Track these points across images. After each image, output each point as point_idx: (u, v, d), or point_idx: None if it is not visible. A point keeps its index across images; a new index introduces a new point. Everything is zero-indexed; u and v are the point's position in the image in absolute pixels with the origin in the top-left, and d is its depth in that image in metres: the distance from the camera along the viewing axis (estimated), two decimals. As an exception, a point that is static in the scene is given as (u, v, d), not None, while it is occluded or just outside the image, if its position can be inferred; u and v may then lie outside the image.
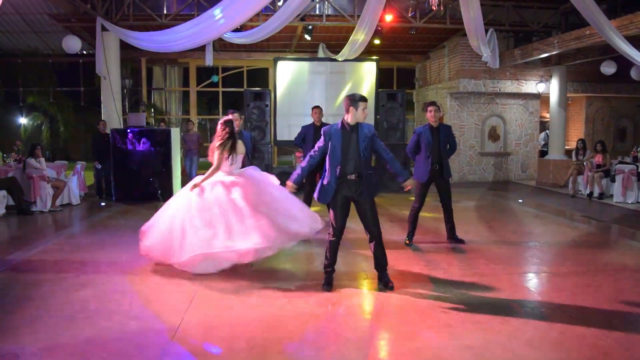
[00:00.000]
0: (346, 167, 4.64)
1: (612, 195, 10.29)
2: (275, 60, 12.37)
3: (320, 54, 13.60)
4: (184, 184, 6.66)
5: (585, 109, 15.62)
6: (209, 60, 11.07)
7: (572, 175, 11.12)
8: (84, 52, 14.40)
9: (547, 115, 14.61)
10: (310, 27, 11.93)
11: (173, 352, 3.48)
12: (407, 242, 6.53)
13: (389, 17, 11.32)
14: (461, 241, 6.59)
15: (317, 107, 7.87)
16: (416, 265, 5.27)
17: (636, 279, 5.31)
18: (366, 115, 4.71)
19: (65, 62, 15.84)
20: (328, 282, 4.78)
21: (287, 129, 12.40)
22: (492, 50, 11.42)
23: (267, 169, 10.56)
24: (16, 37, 14.53)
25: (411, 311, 4.24)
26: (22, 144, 11.17)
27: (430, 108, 6.38)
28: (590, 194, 10.55)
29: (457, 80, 13.52)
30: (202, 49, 10.78)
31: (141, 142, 10.38)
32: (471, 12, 8.83)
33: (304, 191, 7.73)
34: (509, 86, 13.81)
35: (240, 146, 5.47)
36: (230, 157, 5.35)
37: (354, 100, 4.63)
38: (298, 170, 4.87)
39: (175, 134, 10.91)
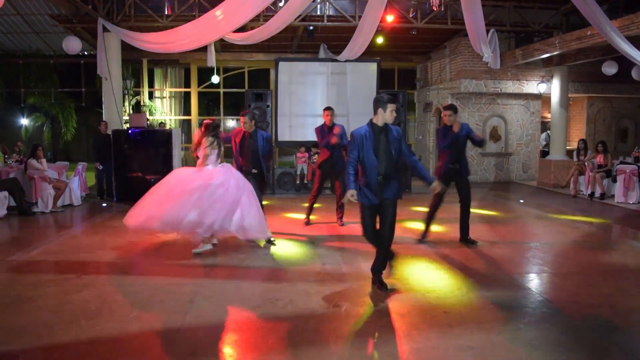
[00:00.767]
0: (379, 168, 4.65)
1: (613, 196, 10.28)
2: (277, 61, 12.37)
3: (322, 55, 13.60)
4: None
5: (587, 109, 15.61)
6: (210, 61, 11.07)
7: (573, 175, 11.12)
8: (85, 53, 14.43)
9: (549, 115, 14.61)
10: (311, 27, 11.93)
11: (174, 352, 3.48)
12: (420, 238, 6.71)
13: (390, 18, 11.32)
14: (473, 242, 6.62)
15: (328, 108, 7.92)
16: (417, 265, 5.27)
17: (637, 279, 5.31)
18: (394, 117, 4.70)
19: (67, 63, 15.88)
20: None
21: (288, 129, 12.41)
22: (493, 51, 11.40)
23: (269, 169, 10.56)
24: (17, 38, 14.56)
25: (412, 311, 4.24)
26: (24, 145, 11.18)
27: (445, 112, 6.49)
28: (592, 194, 10.54)
29: (458, 81, 13.51)
30: (203, 49, 10.78)
31: (142, 142, 10.39)
32: (472, 13, 8.83)
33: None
34: (510, 86, 13.80)
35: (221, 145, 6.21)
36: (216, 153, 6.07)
37: (382, 101, 4.63)
38: (351, 178, 4.68)
39: (176, 134, 10.92)
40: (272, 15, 9.89)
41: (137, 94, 15.47)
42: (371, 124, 4.70)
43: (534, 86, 13.83)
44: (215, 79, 15.25)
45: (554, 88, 13.07)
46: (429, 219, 6.67)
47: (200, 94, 16.32)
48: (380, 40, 12.26)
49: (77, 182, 10.14)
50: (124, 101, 12.81)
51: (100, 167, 10.60)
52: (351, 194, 4.62)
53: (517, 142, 14.50)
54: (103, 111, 11.72)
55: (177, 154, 10.91)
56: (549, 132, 14.62)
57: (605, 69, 12.34)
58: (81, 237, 7.32)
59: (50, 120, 17.09)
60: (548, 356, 3.46)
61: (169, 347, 3.55)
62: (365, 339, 3.76)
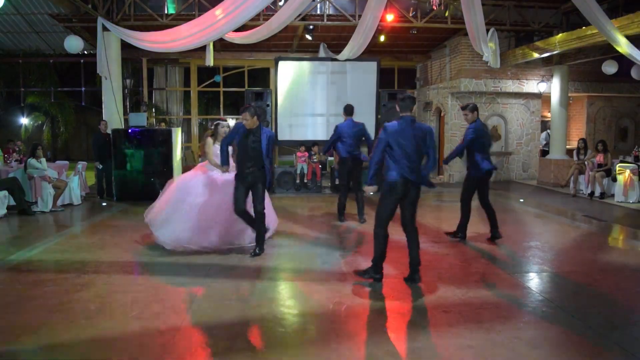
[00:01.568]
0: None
1: (613, 195, 10.28)
2: (277, 60, 12.37)
3: (322, 54, 13.60)
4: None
5: (587, 109, 15.61)
6: (209, 60, 11.06)
7: (573, 174, 11.12)
8: (85, 52, 14.42)
9: (548, 114, 14.61)
10: (311, 26, 11.93)
11: (174, 352, 3.48)
12: (458, 236, 6.78)
13: (390, 17, 11.32)
14: (498, 237, 6.73)
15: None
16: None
17: (637, 278, 5.31)
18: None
19: (66, 62, 15.86)
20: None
21: (289, 128, 12.41)
22: (494, 50, 11.40)
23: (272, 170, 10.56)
24: (17, 37, 14.55)
25: (412, 311, 4.24)
26: (23, 144, 11.18)
27: (464, 112, 6.67)
28: (592, 194, 10.54)
29: (458, 80, 13.51)
30: (203, 48, 10.77)
31: (142, 142, 10.39)
32: (472, 12, 8.82)
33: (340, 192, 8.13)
34: (510, 86, 13.80)
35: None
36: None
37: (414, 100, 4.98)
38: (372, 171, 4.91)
39: (176, 134, 10.92)
40: (272, 15, 9.88)
41: (137, 93, 15.46)
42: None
43: (534, 85, 13.83)
44: (218, 78, 15.25)
45: (554, 87, 13.07)
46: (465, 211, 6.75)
47: (200, 93, 16.31)
48: (382, 38, 12.24)
49: (77, 181, 10.13)
50: (123, 100, 12.78)
51: (100, 167, 10.60)
52: (371, 189, 4.97)
53: (517, 141, 14.49)
54: (103, 110, 11.72)
55: (177, 153, 10.91)
56: (549, 131, 14.61)
57: (605, 68, 12.34)
58: (81, 236, 7.32)
59: (50, 120, 17.08)
60: (548, 355, 3.46)
61: (169, 347, 3.55)
62: (365, 338, 3.75)
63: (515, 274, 5.36)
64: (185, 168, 13.19)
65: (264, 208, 5.96)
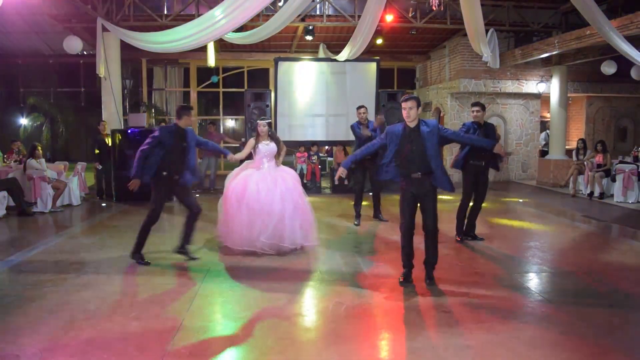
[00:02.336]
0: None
1: (612, 195, 10.29)
2: (276, 61, 12.37)
3: (321, 54, 13.60)
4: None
5: (586, 109, 15.62)
6: (210, 60, 11.07)
7: (572, 175, 11.12)
8: (85, 53, 14.41)
9: (548, 115, 14.62)
10: (310, 27, 11.93)
11: (174, 352, 3.48)
12: (458, 238, 6.72)
13: (389, 18, 11.33)
14: (479, 239, 6.75)
15: (362, 106, 8.12)
16: (416, 265, 5.24)
17: (636, 278, 5.31)
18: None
19: (66, 63, 15.84)
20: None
21: (288, 129, 12.40)
22: (493, 51, 11.41)
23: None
24: (16, 37, 14.54)
25: (411, 311, 4.24)
26: (23, 145, 11.17)
27: (474, 108, 6.60)
28: (591, 194, 10.55)
29: (457, 81, 13.52)
30: (202, 49, 10.79)
31: (141, 142, 10.36)
32: (471, 13, 8.83)
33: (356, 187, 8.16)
34: (510, 86, 13.80)
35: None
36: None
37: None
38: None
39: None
40: (272, 15, 9.89)
41: (137, 93, 15.45)
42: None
43: (533, 86, 13.84)
44: (215, 79, 15.24)
45: (553, 88, 13.08)
46: (461, 218, 6.72)
47: (199, 94, 16.31)
48: (379, 41, 12.25)
49: (77, 181, 10.13)
50: (123, 101, 12.78)
51: (100, 167, 10.60)
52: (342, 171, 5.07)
53: (517, 141, 14.50)
54: (102, 111, 11.72)
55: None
56: (548, 131, 14.62)
57: (604, 68, 12.36)
58: (80, 237, 7.31)
59: (49, 120, 17.04)
60: (547, 356, 3.46)
61: (169, 347, 3.55)
62: (364, 339, 3.75)
63: (514, 274, 5.36)
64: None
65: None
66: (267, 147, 6.29)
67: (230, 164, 10.89)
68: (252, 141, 6.38)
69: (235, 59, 15.31)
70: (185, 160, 5.76)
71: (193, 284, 4.98)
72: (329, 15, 11.87)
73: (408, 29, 12.10)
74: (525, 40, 13.06)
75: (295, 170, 11.92)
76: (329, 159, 14.28)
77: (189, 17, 10.55)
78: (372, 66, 12.56)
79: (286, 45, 14.44)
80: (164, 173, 5.71)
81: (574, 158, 11.40)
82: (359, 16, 10.50)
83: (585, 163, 10.94)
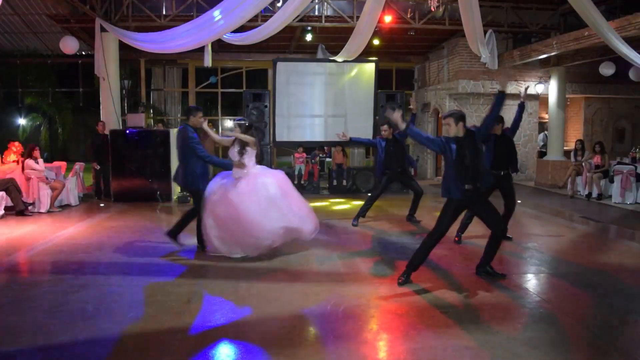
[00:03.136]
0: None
1: (610, 196, 10.30)
2: (275, 61, 12.37)
3: (320, 55, 13.60)
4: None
5: (584, 110, 15.64)
6: (207, 61, 11.06)
7: (570, 176, 11.13)
8: (83, 53, 14.41)
9: (546, 116, 14.63)
10: (309, 28, 11.93)
11: (172, 353, 3.48)
12: (456, 238, 6.78)
13: (388, 18, 11.33)
14: (509, 238, 6.80)
15: (384, 124, 8.06)
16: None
17: (634, 279, 5.32)
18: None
19: (64, 63, 15.84)
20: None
21: (286, 129, 12.41)
22: (491, 52, 11.41)
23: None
24: (15, 37, 14.54)
25: (410, 312, 4.24)
26: (21, 145, 11.15)
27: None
28: (589, 195, 10.56)
29: (456, 81, 13.53)
30: (201, 49, 10.76)
31: (140, 143, 10.38)
32: (470, 14, 8.84)
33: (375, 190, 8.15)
34: (508, 87, 13.81)
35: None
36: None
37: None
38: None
39: (174, 134, 10.90)
40: (270, 16, 9.89)
41: (135, 93, 15.44)
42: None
43: (531, 87, 13.84)
44: (214, 79, 15.24)
45: (551, 89, 13.09)
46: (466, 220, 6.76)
47: (198, 94, 16.31)
48: (376, 42, 12.25)
49: (75, 182, 10.12)
50: (121, 101, 12.78)
51: (98, 167, 10.59)
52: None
53: (515, 142, 14.44)
54: (101, 111, 11.71)
55: (175, 154, 10.89)
56: (546, 132, 14.63)
57: (602, 69, 12.37)
58: (78, 237, 7.30)
59: (47, 121, 17.04)
60: (546, 356, 3.46)
61: (167, 348, 3.55)
62: (363, 340, 3.75)
63: (513, 274, 5.37)
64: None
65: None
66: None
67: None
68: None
69: (234, 60, 15.31)
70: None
71: (192, 284, 4.97)
72: (327, 16, 11.87)
73: (406, 29, 12.11)
74: (523, 42, 13.07)
75: (294, 170, 11.93)
76: (328, 159, 14.29)
77: (188, 18, 10.54)
78: (371, 67, 12.58)
79: (285, 46, 14.45)
80: None
81: (572, 159, 11.40)
82: (358, 17, 10.51)
83: (583, 164, 10.95)
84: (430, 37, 13.68)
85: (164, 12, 11.73)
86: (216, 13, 8.52)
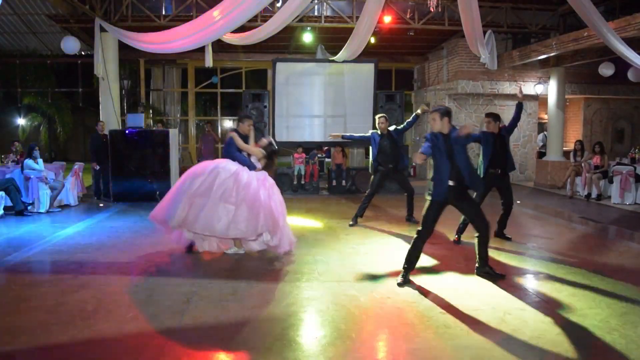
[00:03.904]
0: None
1: (610, 197, 10.31)
2: (274, 62, 12.37)
3: (319, 55, 13.60)
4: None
5: (583, 111, 15.65)
6: (208, 61, 11.06)
7: (570, 176, 11.14)
8: (83, 53, 14.41)
9: (545, 116, 14.64)
10: (309, 28, 11.93)
11: (171, 353, 3.48)
12: (456, 239, 6.80)
13: (387, 19, 11.33)
14: (508, 238, 6.93)
15: (382, 116, 8.09)
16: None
17: (634, 279, 5.32)
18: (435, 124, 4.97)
19: (64, 63, 15.84)
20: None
21: (286, 130, 12.41)
22: (491, 52, 11.42)
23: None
24: (14, 37, 14.54)
25: (409, 312, 4.24)
26: (20, 145, 11.16)
27: (486, 119, 6.68)
28: (588, 195, 10.56)
29: (455, 82, 13.53)
30: (200, 50, 10.76)
31: (139, 143, 10.38)
32: (469, 14, 8.84)
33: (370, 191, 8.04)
34: (507, 87, 13.82)
35: None
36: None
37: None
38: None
39: (174, 135, 10.91)
40: (270, 16, 9.89)
41: (135, 93, 15.44)
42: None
43: (531, 87, 13.85)
44: (216, 79, 15.24)
45: (550, 89, 13.10)
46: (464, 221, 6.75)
47: (197, 94, 16.30)
48: (372, 40, 12.24)
49: (74, 182, 10.12)
50: (121, 101, 12.78)
51: (97, 167, 10.59)
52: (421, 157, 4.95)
53: (514, 143, 14.50)
54: (100, 111, 11.71)
55: (174, 154, 10.91)
56: (545, 133, 14.64)
57: (602, 70, 12.37)
58: (77, 237, 7.30)
59: (47, 121, 17.04)
60: (545, 357, 3.46)
61: (166, 348, 3.55)
62: (363, 340, 3.75)
63: (512, 275, 5.37)
64: (183, 169, 13.15)
65: None
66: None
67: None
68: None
69: (233, 60, 15.30)
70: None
71: (191, 284, 4.97)
72: (327, 17, 11.86)
73: (406, 30, 12.11)
74: (523, 42, 13.08)
75: (293, 171, 11.94)
76: (327, 160, 14.28)
77: (187, 18, 10.54)
78: (370, 67, 12.58)
79: (284, 46, 14.44)
80: None
81: (572, 160, 11.41)
82: (357, 17, 10.51)
83: (582, 165, 10.96)
84: (430, 37, 13.67)
85: (163, 12, 11.73)
86: (216, 13, 8.51)
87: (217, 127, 16.34)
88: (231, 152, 6.06)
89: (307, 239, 7.01)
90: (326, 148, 14.59)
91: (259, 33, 9.97)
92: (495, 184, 6.75)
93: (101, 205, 10.05)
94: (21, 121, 17.29)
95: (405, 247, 6.38)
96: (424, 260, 5.75)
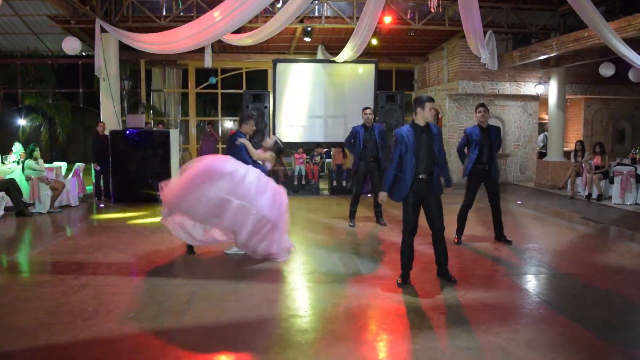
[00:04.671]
0: (419, 167, 4.83)
1: (610, 197, 10.30)
2: (274, 62, 12.37)
3: (319, 56, 13.60)
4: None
5: (584, 111, 15.65)
6: (207, 62, 11.07)
7: (570, 176, 11.14)
8: (83, 54, 14.41)
9: (546, 116, 14.64)
10: (309, 28, 11.93)
11: (171, 353, 3.48)
12: (456, 240, 6.72)
13: (387, 19, 11.34)
14: (508, 241, 6.75)
15: (367, 107, 7.98)
16: (414, 266, 5.26)
17: (634, 280, 5.32)
18: (433, 115, 4.89)
19: (64, 64, 15.83)
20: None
21: (286, 130, 12.40)
22: (491, 52, 11.42)
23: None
24: (15, 38, 14.54)
25: (409, 312, 4.24)
26: (21, 146, 11.17)
27: (479, 109, 6.59)
28: (589, 196, 10.56)
29: (456, 82, 13.53)
30: (201, 50, 10.78)
31: (140, 143, 10.38)
32: (470, 14, 8.84)
33: (354, 192, 8.02)
34: (508, 88, 13.82)
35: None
36: None
37: (421, 101, 4.85)
38: (389, 180, 4.91)
39: (174, 135, 10.91)
40: (271, 17, 9.89)
41: (135, 94, 15.45)
42: (413, 124, 4.89)
43: (531, 87, 13.86)
44: (214, 80, 15.24)
45: (551, 89, 13.10)
46: (461, 220, 6.73)
47: (197, 95, 16.30)
48: (374, 42, 12.25)
49: (75, 182, 10.13)
50: (121, 102, 12.79)
51: (98, 168, 10.60)
52: (383, 196, 4.92)
53: (515, 143, 14.52)
54: (101, 112, 11.71)
55: (175, 155, 10.91)
56: (546, 133, 14.64)
57: (602, 70, 12.37)
58: (78, 237, 7.31)
59: (47, 121, 17.05)
60: (545, 357, 3.46)
61: (166, 348, 3.55)
62: (363, 340, 3.76)
63: (512, 275, 5.37)
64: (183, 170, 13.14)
65: None
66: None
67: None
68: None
69: (234, 60, 15.31)
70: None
71: (191, 284, 4.97)
72: (327, 17, 11.87)
73: (406, 30, 12.12)
74: (523, 42, 13.08)
75: (294, 171, 11.94)
76: (327, 160, 14.28)
77: (188, 19, 10.55)
78: (371, 67, 12.57)
79: (284, 47, 14.45)
80: None
81: (572, 160, 11.42)
82: (358, 18, 10.52)
83: (583, 165, 10.96)
84: (430, 37, 13.68)
85: (164, 13, 11.74)
86: (216, 14, 8.52)
87: (217, 127, 16.34)
88: (245, 159, 5.86)
89: (307, 239, 7.02)
90: (326, 149, 14.60)
91: (259, 33, 9.99)
92: (483, 179, 6.66)
93: (102, 205, 10.06)
94: (22, 122, 17.31)
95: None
96: (424, 261, 5.75)
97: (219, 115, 16.77)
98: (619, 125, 15.94)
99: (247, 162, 5.85)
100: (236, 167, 5.63)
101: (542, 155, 14.51)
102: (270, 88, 13.83)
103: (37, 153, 9.09)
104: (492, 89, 13.71)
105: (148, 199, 10.01)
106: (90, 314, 4.14)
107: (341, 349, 3.57)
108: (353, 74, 12.59)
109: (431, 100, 4.87)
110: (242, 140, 5.96)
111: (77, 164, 10.76)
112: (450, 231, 6.93)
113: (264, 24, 10.04)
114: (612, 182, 10.28)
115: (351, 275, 5.32)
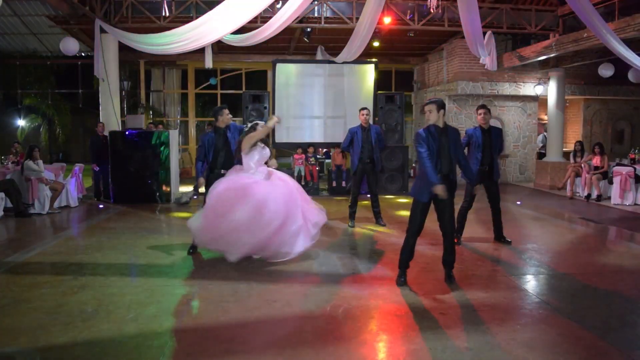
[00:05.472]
0: (443, 167, 4.83)
1: (609, 197, 10.31)
2: (274, 63, 12.37)
3: (319, 56, 13.61)
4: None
5: (583, 111, 15.67)
6: (208, 62, 11.06)
7: (570, 177, 11.15)
8: (83, 54, 14.41)
9: (545, 117, 14.66)
10: (308, 29, 11.93)
11: (171, 354, 3.48)
12: (456, 240, 6.62)
13: (387, 20, 11.34)
14: (508, 242, 6.73)
15: (365, 108, 7.93)
16: (414, 266, 5.27)
17: (633, 280, 5.32)
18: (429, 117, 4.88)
19: (64, 64, 15.84)
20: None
21: (286, 131, 12.41)
22: (490, 53, 11.44)
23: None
24: (14, 39, 14.54)
25: (409, 312, 4.24)
26: (21, 146, 11.17)
27: (480, 111, 6.56)
28: (588, 196, 10.57)
29: (455, 83, 13.54)
30: (200, 51, 10.77)
31: (139, 144, 10.38)
32: (469, 15, 8.85)
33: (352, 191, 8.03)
34: (507, 88, 13.84)
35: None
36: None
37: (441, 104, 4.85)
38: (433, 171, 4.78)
39: (174, 135, 10.91)
40: (270, 17, 9.89)
41: (135, 95, 15.46)
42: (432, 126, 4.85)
43: (530, 88, 13.87)
44: (214, 81, 15.24)
45: (550, 90, 13.11)
46: (460, 221, 6.68)
47: (197, 95, 16.30)
48: (375, 44, 12.26)
49: (74, 183, 10.12)
50: (121, 102, 12.79)
51: (97, 169, 10.59)
52: (442, 188, 4.69)
53: (514, 143, 14.53)
54: (100, 112, 11.71)
55: (175, 155, 10.90)
56: (545, 133, 14.66)
57: (601, 71, 12.39)
58: (78, 238, 7.30)
59: (47, 122, 17.05)
60: (545, 357, 3.46)
61: (166, 349, 3.54)
62: (362, 341, 3.75)
63: (512, 275, 5.37)
64: (183, 170, 13.20)
65: None
66: (263, 151, 6.18)
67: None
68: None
69: (233, 61, 15.32)
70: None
71: (191, 285, 4.97)
72: (327, 18, 11.87)
73: (406, 31, 12.12)
74: (522, 43, 13.08)
75: (293, 172, 11.93)
76: (327, 160, 14.28)
77: (187, 19, 10.54)
78: (370, 68, 12.58)
79: (284, 47, 14.45)
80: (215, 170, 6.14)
81: (572, 160, 11.42)
82: (357, 18, 10.52)
83: (582, 165, 10.97)
84: (430, 38, 13.69)
85: (163, 14, 11.74)
86: (216, 14, 8.53)
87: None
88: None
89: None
90: (325, 150, 14.61)
91: (259, 34, 9.98)
92: (483, 181, 6.62)
93: (101, 206, 10.05)
94: (21, 122, 17.29)
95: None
96: (424, 261, 5.76)
97: (219, 116, 16.74)
98: (618, 125, 15.95)
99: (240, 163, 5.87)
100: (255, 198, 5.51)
101: (541, 155, 14.53)
102: (269, 89, 13.83)
103: (36, 153, 9.08)
104: (492, 89, 13.73)
105: (147, 199, 10.01)
106: (89, 315, 4.14)
107: (341, 349, 3.56)
108: (352, 75, 12.59)
109: (431, 102, 4.88)
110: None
111: (77, 164, 10.74)
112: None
113: (263, 24, 10.04)
114: (611, 182, 10.29)
115: (351, 275, 5.32)
